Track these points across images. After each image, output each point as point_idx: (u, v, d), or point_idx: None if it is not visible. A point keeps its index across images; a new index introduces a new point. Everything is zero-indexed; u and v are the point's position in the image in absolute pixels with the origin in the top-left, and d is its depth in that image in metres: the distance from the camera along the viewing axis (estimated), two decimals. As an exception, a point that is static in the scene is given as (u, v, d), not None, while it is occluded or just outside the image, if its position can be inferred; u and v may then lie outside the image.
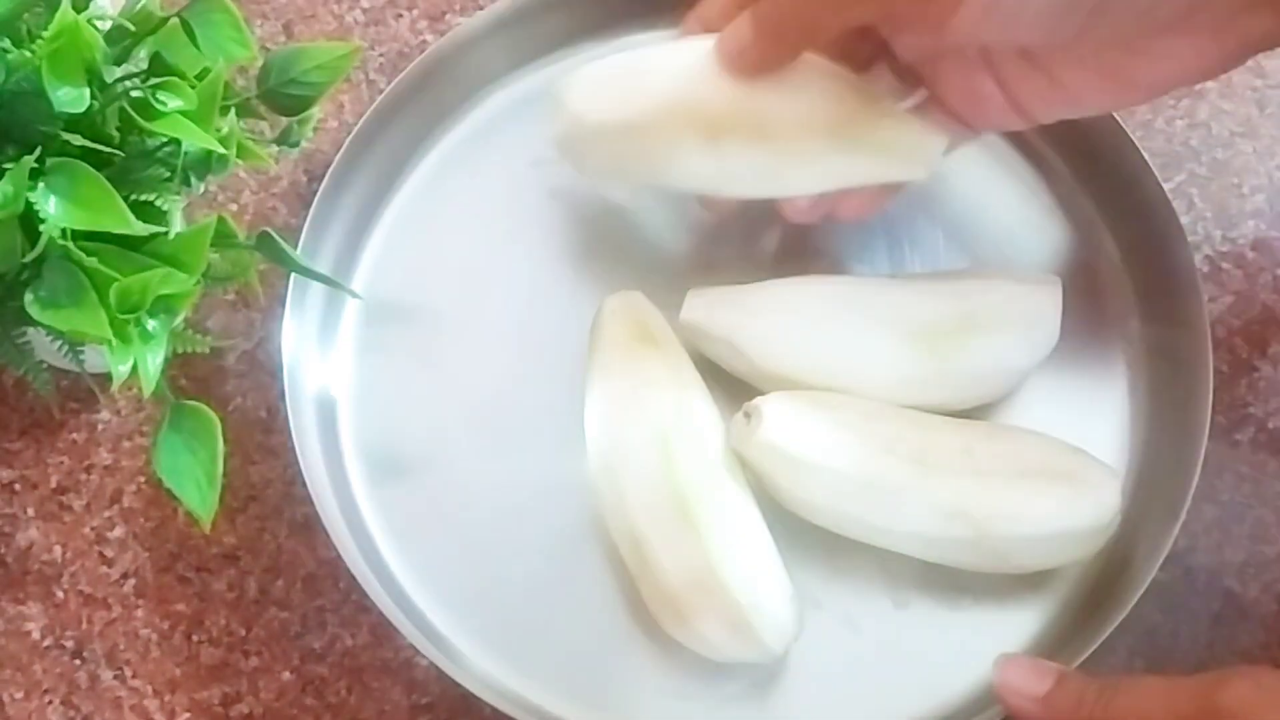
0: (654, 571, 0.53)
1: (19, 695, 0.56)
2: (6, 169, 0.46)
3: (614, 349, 0.57)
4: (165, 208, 0.50)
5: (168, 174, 0.50)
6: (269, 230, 0.52)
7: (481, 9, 0.66)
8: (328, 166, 0.61)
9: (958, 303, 0.57)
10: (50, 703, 0.56)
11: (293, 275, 0.57)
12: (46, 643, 0.56)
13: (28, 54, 0.47)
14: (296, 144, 0.56)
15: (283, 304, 0.58)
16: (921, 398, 0.56)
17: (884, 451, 0.54)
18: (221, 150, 0.50)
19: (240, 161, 0.51)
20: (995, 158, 0.64)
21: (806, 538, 0.56)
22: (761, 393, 0.56)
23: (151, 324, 0.48)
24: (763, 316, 0.57)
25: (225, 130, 0.50)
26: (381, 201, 0.63)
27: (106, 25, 0.51)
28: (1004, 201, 0.64)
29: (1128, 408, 0.60)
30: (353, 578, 0.54)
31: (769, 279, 0.58)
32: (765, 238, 0.63)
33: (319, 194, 0.60)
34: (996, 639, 0.56)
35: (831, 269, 0.62)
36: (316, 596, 0.57)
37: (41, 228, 0.46)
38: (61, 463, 0.59)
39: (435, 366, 0.60)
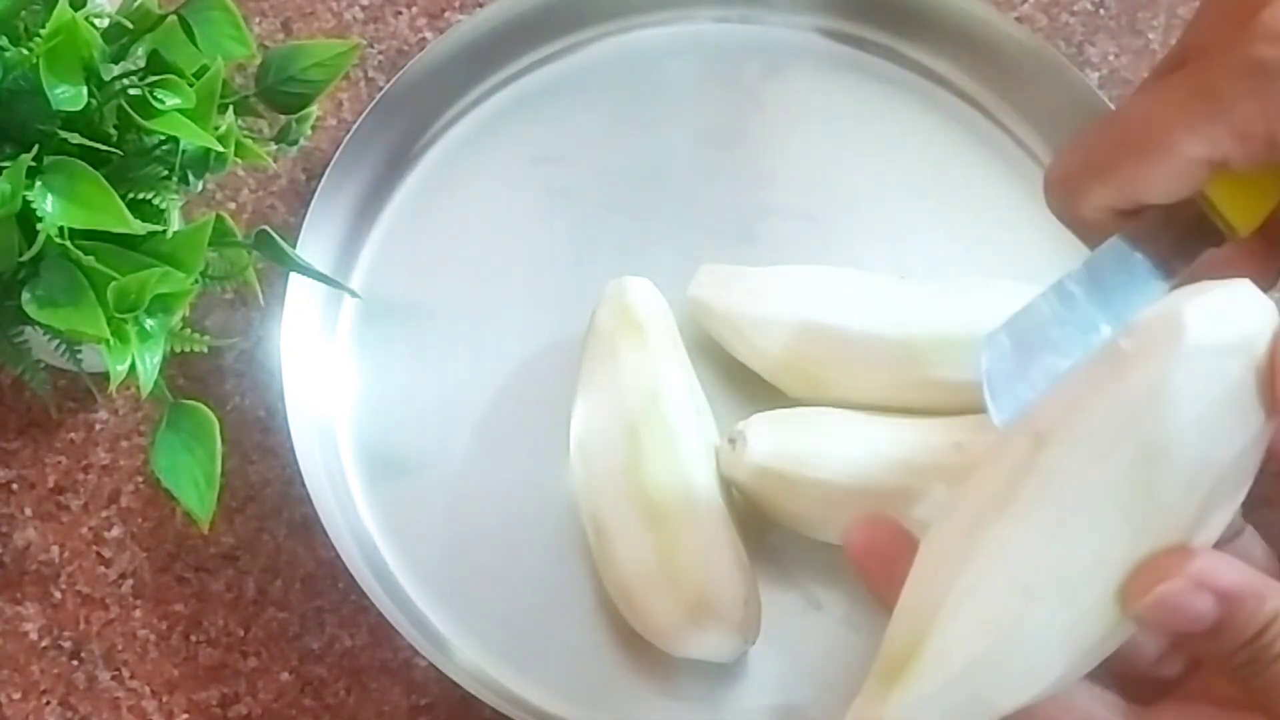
0: (611, 559, 0.54)
1: (16, 696, 0.55)
2: (4, 167, 0.46)
3: (600, 337, 0.57)
4: (163, 206, 0.50)
5: (166, 172, 0.50)
6: (267, 229, 0.52)
7: (481, 6, 0.66)
8: (326, 165, 0.60)
9: (966, 312, 0.57)
10: (48, 704, 0.55)
11: (291, 274, 0.57)
12: (44, 643, 0.56)
13: (25, 52, 0.47)
14: (295, 142, 0.56)
15: (281, 303, 0.58)
16: (919, 400, 0.56)
17: (872, 457, 0.54)
18: (220, 148, 0.49)
19: (238, 160, 0.51)
20: (1002, 161, 0.64)
21: (806, 540, 0.56)
22: (759, 378, 0.57)
23: (149, 323, 0.48)
24: (767, 299, 0.57)
25: (223, 128, 0.50)
26: (380, 200, 0.63)
27: (104, 23, 0.51)
28: (1010, 205, 0.64)
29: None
30: (351, 578, 0.54)
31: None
32: (771, 233, 0.63)
33: (318, 192, 0.60)
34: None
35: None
36: (315, 597, 0.57)
37: (39, 226, 0.46)
38: (59, 462, 0.59)
39: (435, 365, 0.60)
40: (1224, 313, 0.37)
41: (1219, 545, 0.40)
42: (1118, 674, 0.41)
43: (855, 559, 0.42)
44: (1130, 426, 0.37)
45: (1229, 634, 0.37)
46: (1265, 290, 0.39)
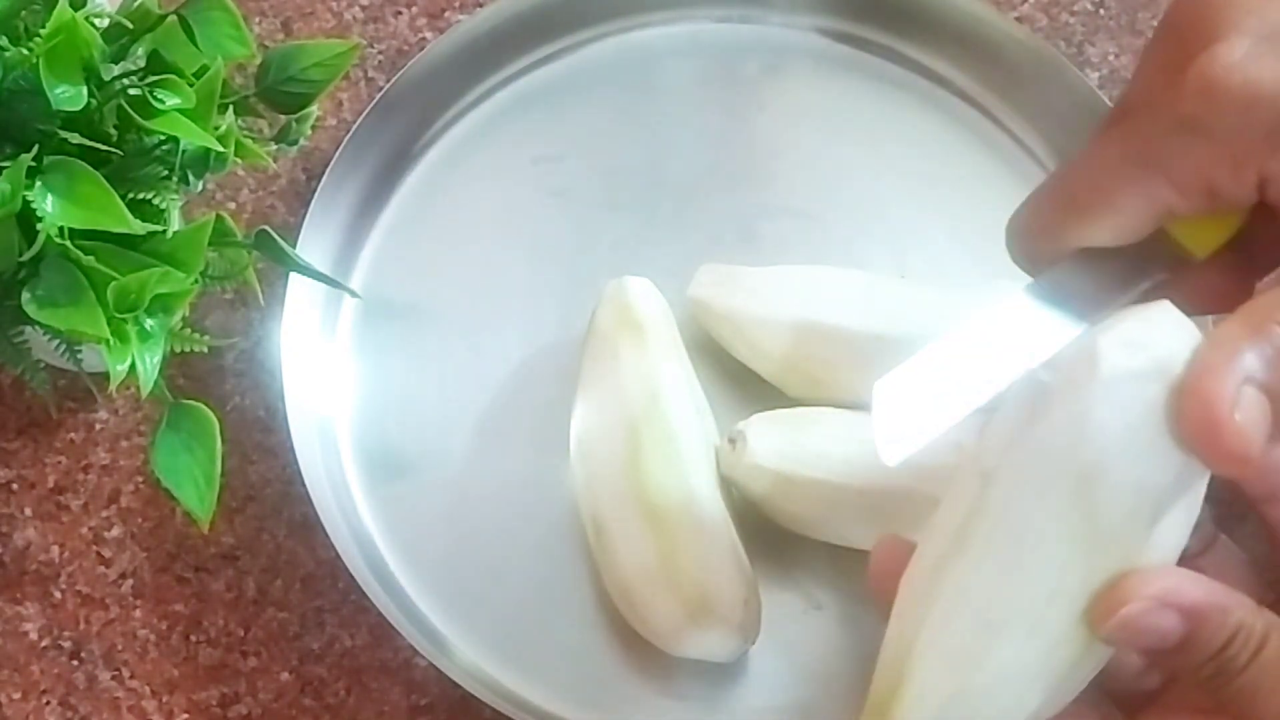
0: (611, 558, 0.54)
1: (16, 696, 0.55)
2: (4, 167, 0.46)
3: (600, 337, 0.57)
4: (163, 206, 0.50)
5: (166, 172, 0.50)
6: (267, 229, 0.52)
7: (481, 6, 0.66)
8: (326, 165, 0.60)
9: (966, 312, 0.56)
10: (48, 703, 0.55)
11: (291, 274, 0.57)
12: (44, 643, 0.56)
13: (25, 52, 0.47)
14: (295, 142, 0.56)
15: (281, 303, 0.58)
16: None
17: (872, 457, 0.54)
18: (220, 148, 0.49)
19: (238, 160, 0.51)
20: (1002, 161, 0.64)
21: (806, 540, 0.56)
22: (759, 378, 0.57)
23: (149, 323, 0.48)
24: (767, 299, 0.57)
25: (223, 128, 0.50)
26: (380, 200, 0.63)
27: (104, 23, 0.50)
28: (1010, 205, 0.63)
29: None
30: (351, 578, 0.54)
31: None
32: (771, 233, 0.63)
33: (317, 192, 0.60)
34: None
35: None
36: (315, 597, 0.57)
37: (39, 226, 0.46)
38: (59, 462, 0.59)
39: (435, 365, 0.60)
40: (1139, 339, 0.38)
41: (1194, 558, 0.40)
42: (1105, 688, 0.41)
43: (872, 580, 0.43)
44: (1061, 461, 0.38)
45: (1196, 649, 0.38)
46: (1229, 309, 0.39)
